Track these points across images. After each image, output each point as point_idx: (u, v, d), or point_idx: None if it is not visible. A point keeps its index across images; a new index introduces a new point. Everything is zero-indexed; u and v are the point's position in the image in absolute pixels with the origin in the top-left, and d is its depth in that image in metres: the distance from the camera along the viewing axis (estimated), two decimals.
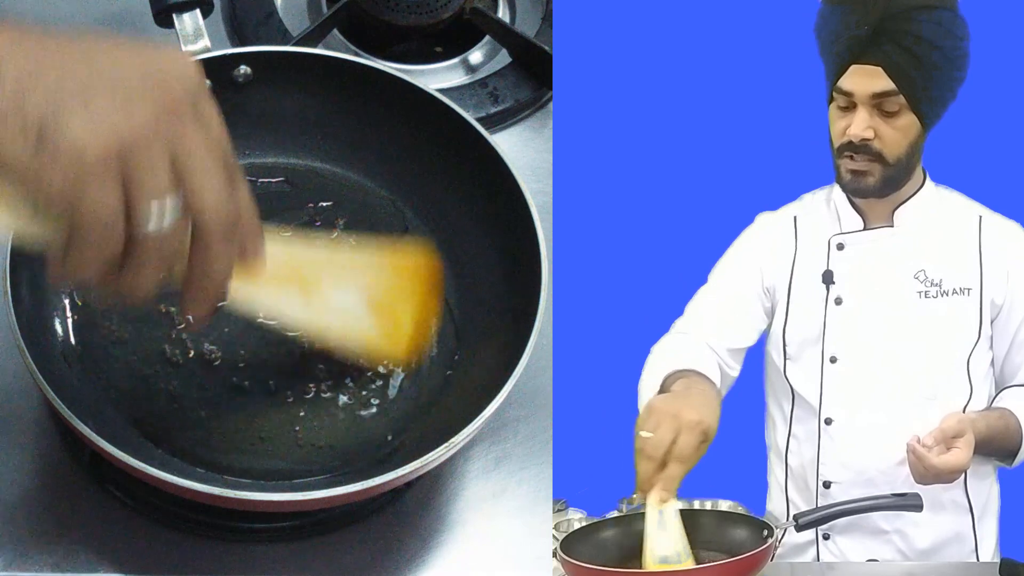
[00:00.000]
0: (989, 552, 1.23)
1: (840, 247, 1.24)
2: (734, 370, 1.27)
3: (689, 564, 1.11)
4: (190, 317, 0.96)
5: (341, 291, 1.12)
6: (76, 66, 0.85)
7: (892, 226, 1.24)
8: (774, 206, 1.30)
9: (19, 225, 0.87)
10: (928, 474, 1.16)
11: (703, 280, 1.30)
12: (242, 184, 0.92)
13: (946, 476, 1.16)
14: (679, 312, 1.29)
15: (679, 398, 1.16)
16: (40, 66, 0.84)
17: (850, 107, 1.20)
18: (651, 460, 1.10)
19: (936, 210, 1.24)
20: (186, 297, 0.94)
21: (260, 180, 1.28)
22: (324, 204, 1.27)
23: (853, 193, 1.23)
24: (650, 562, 1.12)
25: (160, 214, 0.86)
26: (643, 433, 1.10)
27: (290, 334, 1.16)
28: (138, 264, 0.88)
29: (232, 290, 0.96)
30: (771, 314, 1.27)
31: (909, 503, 1.15)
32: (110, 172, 0.84)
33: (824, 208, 1.26)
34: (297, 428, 1.16)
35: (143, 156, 0.85)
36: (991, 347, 1.24)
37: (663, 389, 1.20)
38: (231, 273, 0.93)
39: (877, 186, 1.21)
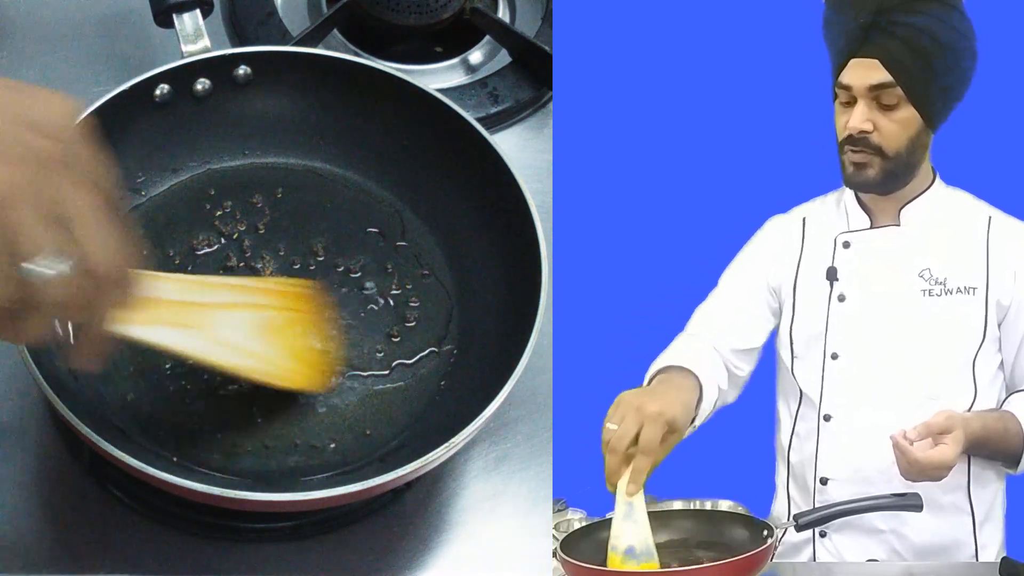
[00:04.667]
0: (992, 557, 1.22)
1: (846, 245, 1.24)
2: (743, 370, 1.27)
3: (653, 562, 1.09)
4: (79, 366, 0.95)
5: (235, 324, 1.11)
6: None
7: (898, 225, 1.24)
8: (776, 207, 1.30)
9: None
10: (912, 469, 1.14)
11: (703, 280, 1.30)
12: (121, 228, 0.90)
13: (931, 472, 1.14)
14: (678, 312, 1.29)
15: (647, 391, 1.17)
16: None
17: (851, 102, 1.20)
18: (615, 453, 1.09)
19: (944, 209, 1.24)
20: (74, 347, 0.93)
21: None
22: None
23: (855, 187, 1.23)
24: (614, 554, 1.10)
25: (42, 268, 0.85)
26: (609, 425, 1.10)
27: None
28: (26, 315, 0.86)
29: (127, 331, 0.99)
30: (778, 314, 1.27)
31: (909, 503, 1.15)
32: None
33: (834, 209, 1.26)
34: (297, 428, 1.16)
35: (15, 214, 0.83)
36: (999, 349, 1.23)
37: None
38: (113, 320, 0.92)
39: (878, 179, 1.21)
